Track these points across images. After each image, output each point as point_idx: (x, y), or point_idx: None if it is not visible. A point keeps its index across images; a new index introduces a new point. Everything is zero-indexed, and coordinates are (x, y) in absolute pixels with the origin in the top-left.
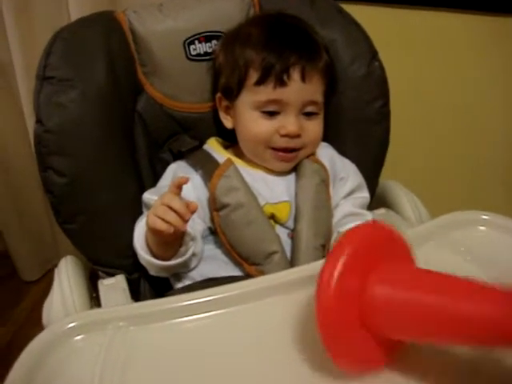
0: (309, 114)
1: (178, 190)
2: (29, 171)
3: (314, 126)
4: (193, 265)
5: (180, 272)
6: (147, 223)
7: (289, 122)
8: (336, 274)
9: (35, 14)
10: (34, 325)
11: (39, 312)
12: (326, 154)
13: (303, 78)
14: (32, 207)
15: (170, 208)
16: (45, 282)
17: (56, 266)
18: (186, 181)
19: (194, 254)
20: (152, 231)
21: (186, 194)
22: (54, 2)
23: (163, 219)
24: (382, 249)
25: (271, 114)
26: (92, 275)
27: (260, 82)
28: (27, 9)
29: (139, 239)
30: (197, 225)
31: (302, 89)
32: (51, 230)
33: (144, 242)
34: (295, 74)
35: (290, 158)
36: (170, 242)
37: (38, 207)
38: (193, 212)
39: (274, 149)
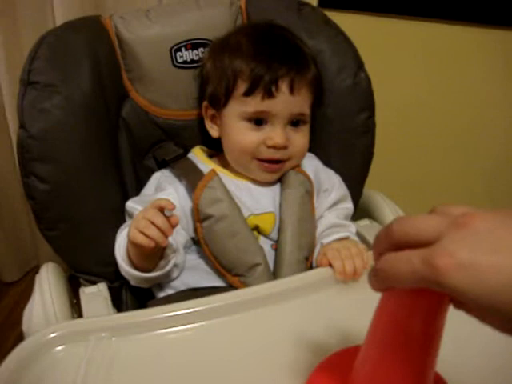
0: (296, 126)
1: (162, 209)
2: (10, 174)
3: (301, 138)
4: (174, 275)
5: (162, 282)
6: (128, 236)
7: (276, 134)
8: None
9: (19, 16)
10: (13, 326)
11: (18, 313)
12: (311, 164)
13: (291, 90)
14: (12, 209)
15: (153, 223)
16: (24, 284)
17: (35, 267)
18: (172, 208)
19: (175, 265)
20: (133, 244)
21: None
22: (38, 4)
23: (144, 234)
24: None
25: (258, 125)
26: (72, 280)
27: (248, 92)
28: (11, 11)
29: (120, 249)
30: (179, 236)
31: (289, 101)
32: (31, 231)
33: (125, 253)
34: (284, 86)
35: (275, 169)
36: (150, 255)
37: (17, 209)
38: (174, 226)
39: (260, 160)
